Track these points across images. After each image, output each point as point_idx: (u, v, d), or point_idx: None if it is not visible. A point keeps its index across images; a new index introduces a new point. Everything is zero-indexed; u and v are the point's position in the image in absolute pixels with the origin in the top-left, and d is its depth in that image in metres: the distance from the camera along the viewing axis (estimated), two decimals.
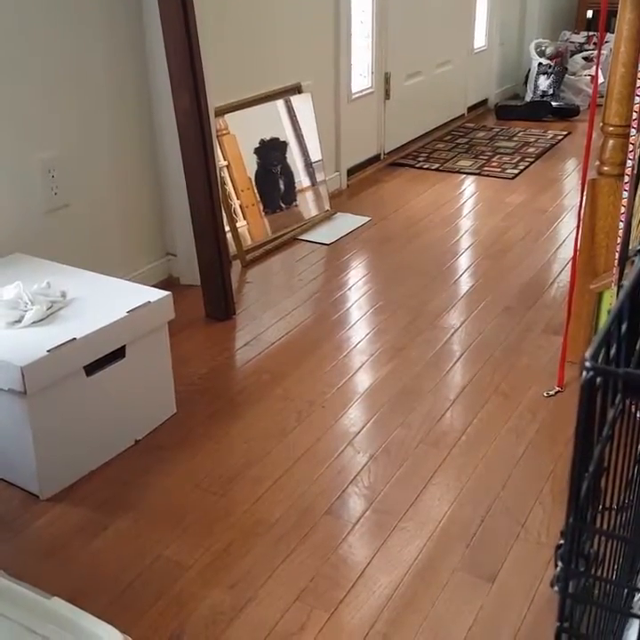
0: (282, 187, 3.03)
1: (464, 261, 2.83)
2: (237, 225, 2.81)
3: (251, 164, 2.89)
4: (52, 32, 2.11)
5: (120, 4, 2.30)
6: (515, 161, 3.96)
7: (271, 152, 2.97)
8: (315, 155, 3.18)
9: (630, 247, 1.84)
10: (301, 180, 3.13)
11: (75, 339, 1.63)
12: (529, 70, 5.08)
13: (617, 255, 1.85)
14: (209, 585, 1.44)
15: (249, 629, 1.35)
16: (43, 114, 2.14)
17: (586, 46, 5.31)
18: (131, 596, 1.42)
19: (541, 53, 4.98)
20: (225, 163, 2.77)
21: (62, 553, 1.52)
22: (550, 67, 4.93)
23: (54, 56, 2.13)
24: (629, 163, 1.79)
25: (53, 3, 2.10)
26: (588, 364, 0.55)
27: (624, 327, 0.64)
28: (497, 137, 4.39)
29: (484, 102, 5.09)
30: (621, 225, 1.82)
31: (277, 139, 3.01)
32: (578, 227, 1.98)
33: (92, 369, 1.69)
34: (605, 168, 1.96)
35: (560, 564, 0.62)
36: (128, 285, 1.93)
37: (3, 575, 1.17)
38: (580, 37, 5.42)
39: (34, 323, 1.68)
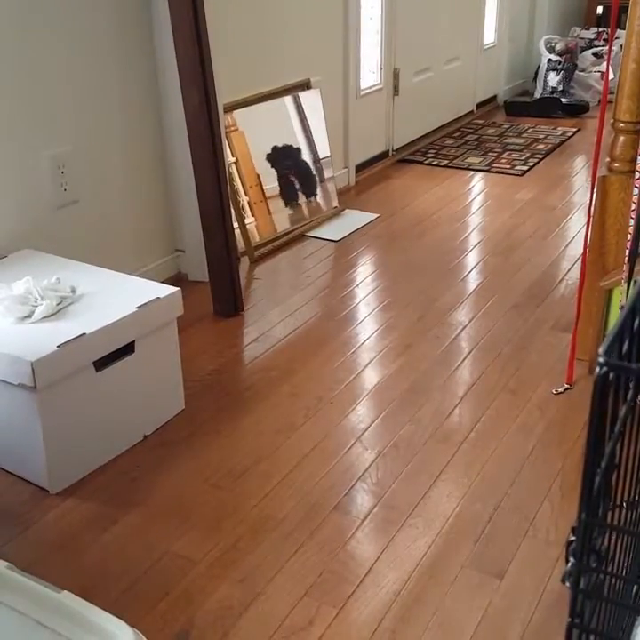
0: (297, 186, 3.04)
1: (473, 258, 2.83)
2: (246, 221, 2.81)
3: (260, 163, 2.89)
4: (63, 30, 2.11)
5: (130, 2, 2.30)
6: (524, 158, 3.95)
7: (284, 160, 2.98)
8: (323, 151, 3.18)
9: None
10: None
11: (84, 334, 1.64)
12: (538, 66, 5.06)
13: (627, 252, 1.84)
14: (217, 580, 1.45)
15: (257, 624, 1.35)
16: (52, 110, 2.14)
17: (596, 42, 5.28)
18: (139, 591, 1.42)
19: (551, 50, 4.96)
20: (233, 159, 2.77)
21: (72, 547, 1.53)
22: (560, 63, 4.91)
23: (64, 53, 2.14)
24: None
25: (66, 5, 2.10)
26: (601, 359, 0.55)
27: (637, 323, 0.64)
28: (506, 133, 4.38)
29: (494, 99, 5.08)
30: (632, 222, 1.82)
31: (291, 146, 3.01)
32: (588, 224, 1.98)
33: (101, 364, 1.70)
34: (616, 165, 1.95)
35: (572, 559, 0.62)
36: (137, 281, 1.93)
37: (13, 569, 1.18)
38: (589, 33, 5.39)
39: (44, 318, 1.69)
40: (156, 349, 1.84)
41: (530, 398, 1.97)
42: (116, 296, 1.80)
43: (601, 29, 5.43)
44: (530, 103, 4.84)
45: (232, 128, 2.76)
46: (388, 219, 3.20)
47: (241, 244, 2.75)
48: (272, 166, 2.92)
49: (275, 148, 2.94)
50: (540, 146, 4.15)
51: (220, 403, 1.98)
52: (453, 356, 2.18)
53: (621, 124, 1.91)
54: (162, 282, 2.09)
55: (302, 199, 3.07)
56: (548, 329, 2.31)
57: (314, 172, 3.13)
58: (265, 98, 2.94)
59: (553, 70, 4.93)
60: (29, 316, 1.69)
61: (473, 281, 2.64)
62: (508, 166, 3.83)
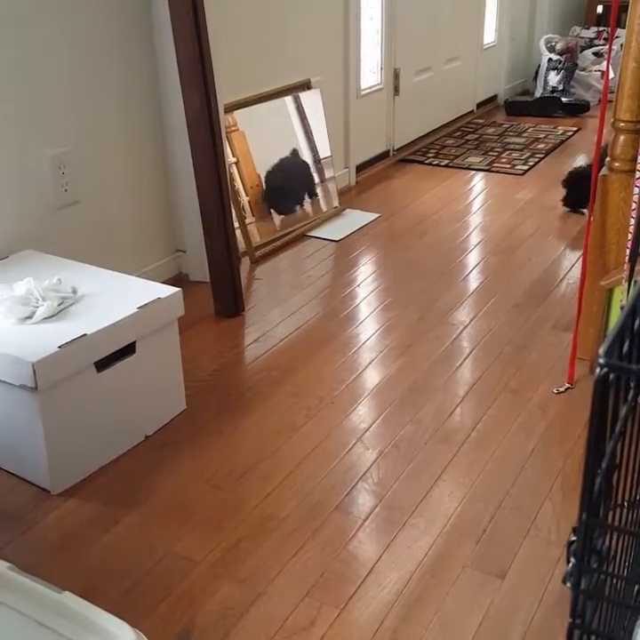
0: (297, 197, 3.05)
1: (473, 258, 2.83)
2: (246, 221, 2.81)
3: (260, 163, 2.89)
4: (63, 30, 2.11)
5: (130, 3, 2.30)
6: (524, 157, 3.95)
7: (282, 190, 2.96)
8: (324, 151, 3.18)
9: None
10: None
11: (85, 335, 1.64)
12: (539, 66, 5.06)
13: (628, 251, 1.84)
14: (219, 580, 1.45)
15: (259, 624, 1.35)
16: (53, 110, 2.14)
17: (596, 42, 5.28)
18: (141, 591, 1.43)
19: (551, 49, 4.96)
20: (234, 159, 2.77)
21: (73, 548, 1.53)
22: (560, 62, 4.90)
23: (64, 54, 2.14)
24: None
25: (66, 5, 2.10)
26: (601, 360, 0.55)
27: (637, 323, 0.64)
28: (507, 133, 4.38)
29: (494, 98, 5.08)
30: (632, 221, 1.82)
31: (285, 160, 2.99)
32: (588, 223, 1.98)
33: (102, 365, 1.70)
34: (616, 164, 1.95)
35: (573, 560, 0.62)
36: (138, 282, 1.93)
37: (14, 569, 1.18)
38: (590, 33, 5.39)
39: (45, 319, 1.69)
40: (157, 350, 1.84)
41: (531, 398, 1.97)
42: (117, 297, 1.80)
43: (601, 28, 5.43)
44: (530, 102, 4.84)
45: (233, 128, 2.76)
46: (388, 218, 3.20)
47: (242, 245, 2.75)
48: (270, 209, 2.90)
49: (269, 182, 2.88)
50: (541, 145, 4.14)
51: (222, 403, 1.98)
52: (454, 356, 2.18)
53: (622, 124, 1.91)
54: (163, 282, 2.09)
55: (304, 202, 3.06)
56: (549, 328, 2.31)
57: (314, 176, 3.12)
58: (265, 98, 2.94)
59: (553, 69, 4.93)
60: (30, 317, 1.69)
61: (474, 281, 2.64)
62: (509, 166, 3.82)
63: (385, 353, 2.20)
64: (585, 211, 3.07)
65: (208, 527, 1.57)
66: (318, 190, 3.15)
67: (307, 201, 3.08)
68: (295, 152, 3.05)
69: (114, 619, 1.09)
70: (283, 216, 2.96)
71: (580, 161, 3.85)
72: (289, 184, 2.99)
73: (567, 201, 3.19)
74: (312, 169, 3.12)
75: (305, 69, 3.16)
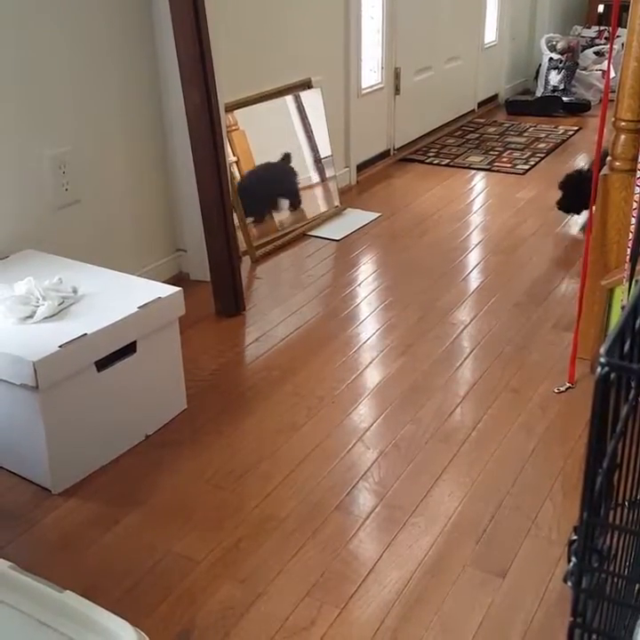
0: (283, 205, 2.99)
1: (474, 257, 2.82)
2: (247, 220, 2.81)
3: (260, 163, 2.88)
4: (63, 30, 2.11)
5: (130, 3, 2.30)
6: (525, 156, 3.95)
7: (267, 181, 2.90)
8: (324, 150, 3.18)
9: None
10: (311, 175, 3.13)
11: (86, 334, 1.64)
12: (540, 65, 5.06)
13: (628, 251, 1.84)
14: (219, 580, 1.45)
15: (259, 624, 1.35)
16: (53, 110, 2.14)
17: (597, 41, 5.28)
18: (141, 591, 1.43)
19: (552, 48, 4.95)
20: (234, 158, 2.77)
21: (74, 547, 1.53)
22: (561, 62, 4.90)
23: (64, 54, 2.14)
24: None
25: (66, 5, 2.11)
26: (602, 359, 0.55)
27: (638, 323, 0.64)
28: (507, 132, 4.38)
29: (495, 97, 5.08)
30: (633, 220, 1.82)
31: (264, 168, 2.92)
32: (589, 222, 1.97)
33: (103, 364, 1.70)
34: (617, 163, 1.95)
35: (574, 559, 0.62)
36: (139, 281, 1.93)
37: (15, 569, 1.18)
38: (591, 32, 5.39)
39: (45, 318, 1.69)
40: (157, 349, 1.84)
41: (531, 397, 1.97)
42: (118, 296, 1.80)
43: (602, 28, 5.43)
44: (531, 102, 4.84)
45: (233, 127, 2.77)
46: (389, 218, 3.20)
47: (242, 244, 2.75)
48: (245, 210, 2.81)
49: (242, 186, 2.79)
50: (542, 145, 4.14)
51: (222, 402, 1.98)
52: (455, 356, 2.17)
53: (623, 123, 1.91)
54: (163, 282, 2.09)
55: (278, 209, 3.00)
56: (550, 328, 2.31)
57: (296, 184, 3.07)
58: (266, 97, 2.94)
59: (554, 69, 4.92)
60: (31, 317, 1.69)
61: (474, 280, 2.64)
62: (510, 165, 3.82)
63: (385, 352, 2.20)
64: (576, 216, 3.03)
65: (208, 527, 1.57)
66: (318, 189, 3.15)
67: (281, 208, 2.99)
68: (285, 157, 3.00)
69: (115, 618, 1.09)
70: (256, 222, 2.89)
71: (581, 160, 3.85)
72: (262, 190, 2.92)
73: (562, 204, 3.11)
74: (300, 174, 3.07)
75: (305, 68, 3.15)
